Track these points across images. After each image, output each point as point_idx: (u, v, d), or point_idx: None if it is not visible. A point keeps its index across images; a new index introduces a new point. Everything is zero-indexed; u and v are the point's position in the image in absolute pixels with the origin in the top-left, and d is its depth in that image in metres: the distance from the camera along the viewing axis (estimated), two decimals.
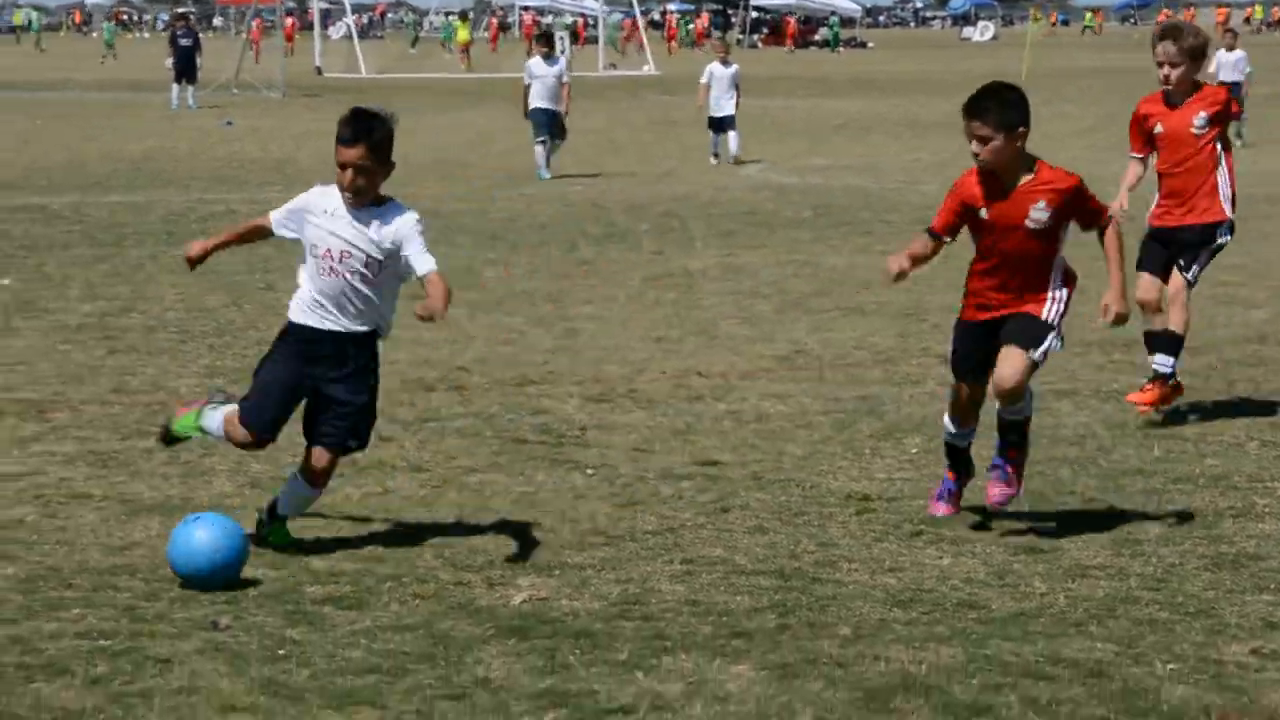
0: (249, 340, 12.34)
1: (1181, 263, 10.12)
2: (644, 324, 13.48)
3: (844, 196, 23.54)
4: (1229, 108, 10.08)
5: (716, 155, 29.30)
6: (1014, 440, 7.85)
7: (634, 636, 6.33)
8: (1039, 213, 7.54)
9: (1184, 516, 8.01)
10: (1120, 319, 7.79)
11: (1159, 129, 10.08)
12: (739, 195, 23.71)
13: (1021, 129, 7.51)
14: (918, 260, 7.72)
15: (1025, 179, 7.58)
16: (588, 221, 20.42)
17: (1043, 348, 7.61)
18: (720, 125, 29.37)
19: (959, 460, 8.08)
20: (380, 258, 7.12)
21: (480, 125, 37.36)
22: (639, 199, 22.96)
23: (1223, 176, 10.10)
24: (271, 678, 5.90)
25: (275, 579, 7.00)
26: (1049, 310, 7.65)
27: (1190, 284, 10.16)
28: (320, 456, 7.33)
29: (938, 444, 9.48)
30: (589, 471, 8.86)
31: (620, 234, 19.33)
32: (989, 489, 7.83)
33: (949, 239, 7.78)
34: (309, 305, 7.26)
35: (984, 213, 7.62)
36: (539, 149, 26.20)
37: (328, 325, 7.22)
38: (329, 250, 7.14)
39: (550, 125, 26.21)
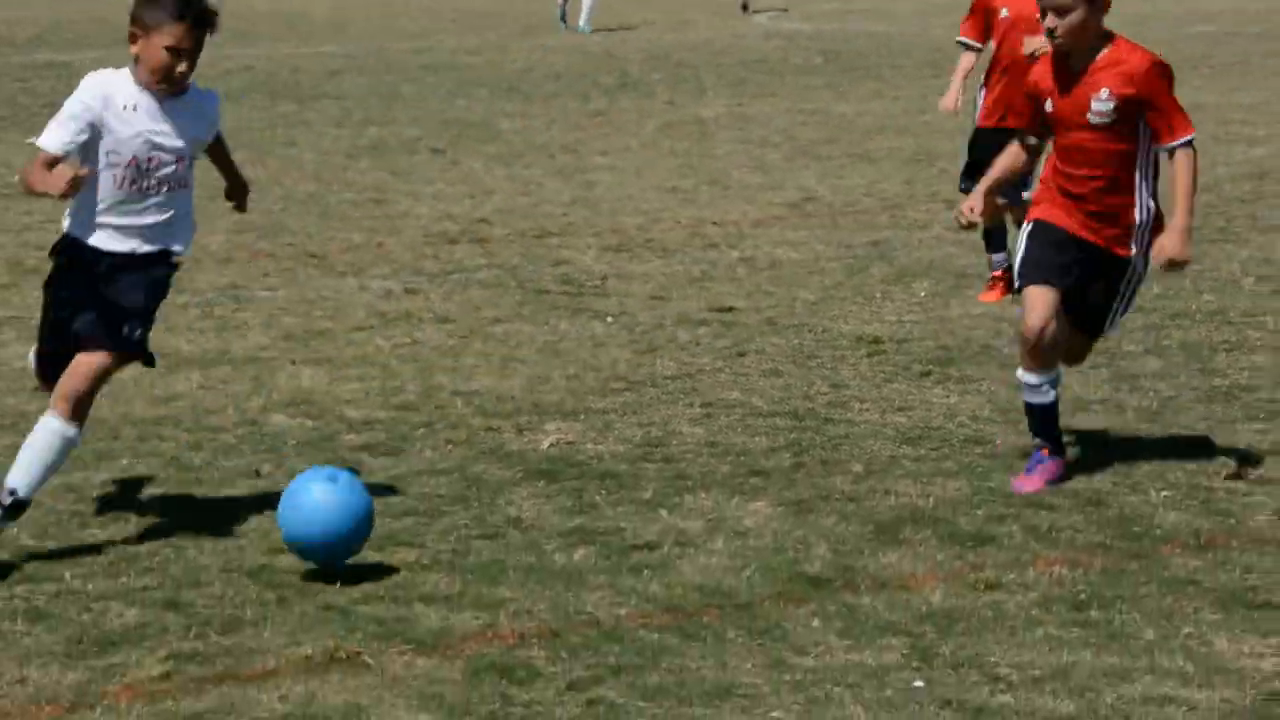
0: (274, 196, 12.62)
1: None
2: (658, 174, 13.72)
3: (855, 42, 23.60)
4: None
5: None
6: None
7: (657, 477, 6.66)
8: (1101, 103, 6.24)
9: (1180, 351, 8.31)
10: (1174, 264, 6.28)
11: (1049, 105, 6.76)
12: (750, 44, 23.79)
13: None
14: (1008, 176, 6.62)
15: (1094, 60, 6.27)
16: (602, 72, 20.56)
17: (1112, 330, 6.60)
18: None
19: (1045, 424, 6.52)
20: (189, 155, 5.88)
21: None
22: (653, 49, 23.04)
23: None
24: None
25: (311, 429, 7.30)
26: (1140, 241, 6.35)
27: None
28: (80, 362, 5.81)
29: (945, 287, 9.83)
30: (609, 320, 9.17)
31: (634, 84, 19.49)
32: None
33: (1037, 138, 6.55)
34: (97, 227, 5.83)
35: (1049, 104, 6.36)
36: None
37: (117, 246, 5.85)
38: (135, 158, 5.75)
39: None
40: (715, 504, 6.35)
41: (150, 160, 5.75)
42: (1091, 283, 6.43)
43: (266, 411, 7.53)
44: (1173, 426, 7.23)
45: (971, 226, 6.60)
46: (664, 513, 6.26)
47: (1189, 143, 6.25)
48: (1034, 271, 6.36)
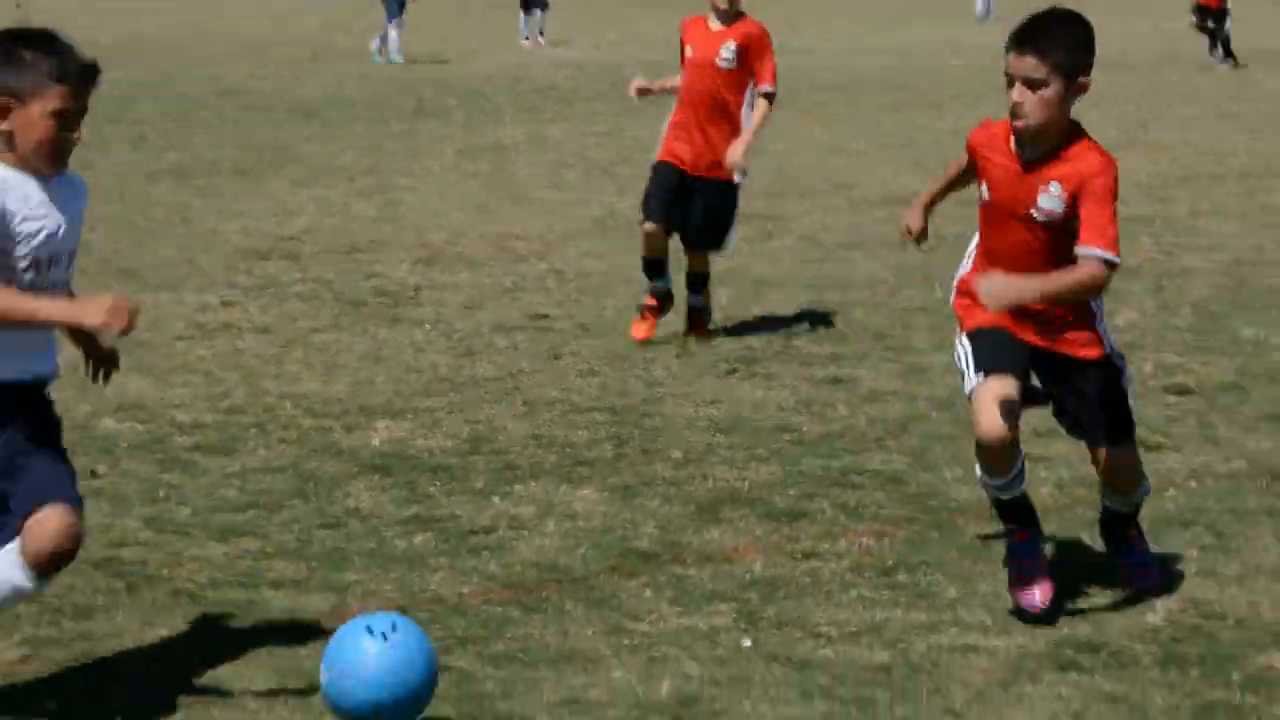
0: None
1: (696, 230, 8.97)
2: (461, 193, 14.04)
3: (637, 69, 24.18)
4: (764, 43, 8.89)
5: (529, 38, 29.75)
6: (1128, 532, 5.80)
7: (486, 469, 6.99)
8: (1051, 200, 5.29)
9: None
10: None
11: (688, 51, 9.08)
12: (540, 72, 24.25)
13: (1083, 78, 5.29)
14: (949, 189, 5.74)
15: (1056, 154, 5.30)
16: (397, 98, 20.82)
17: (1133, 421, 5.59)
18: (532, 4, 29.93)
19: (1016, 512, 5.59)
20: (75, 245, 4.80)
21: (281, 5, 37.15)
22: (447, 77, 23.36)
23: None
24: (155, 516, 6.41)
25: (142, 432, 7.47)
26: (1106, 339, 5.51)
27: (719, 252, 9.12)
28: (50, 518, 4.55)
29: (745, 293, 10.32)
30: (427, 327, 9.47)
31: (429, 110, 19.78)
32: (1135, 583, 5.71)
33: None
34: None
35: (986, 190, 5.41)
36: (393, 32, 26.39)
37: (10, 375, 4.70)
38: (36, 260, 4.64)
39: (401, 7, 26.68)
40: (545, 491, 6.70)
41: (51, 260, 4.67)
42: (1062, 392, 5.57)
43: (96, 417, 7.65)
44: (962, 413, 7.75)
45: (922, 237, 5.78)
46: (496, 500, 6.59)
47: (1106, 262, 5.20)
48: (984, 362, 5.38)
